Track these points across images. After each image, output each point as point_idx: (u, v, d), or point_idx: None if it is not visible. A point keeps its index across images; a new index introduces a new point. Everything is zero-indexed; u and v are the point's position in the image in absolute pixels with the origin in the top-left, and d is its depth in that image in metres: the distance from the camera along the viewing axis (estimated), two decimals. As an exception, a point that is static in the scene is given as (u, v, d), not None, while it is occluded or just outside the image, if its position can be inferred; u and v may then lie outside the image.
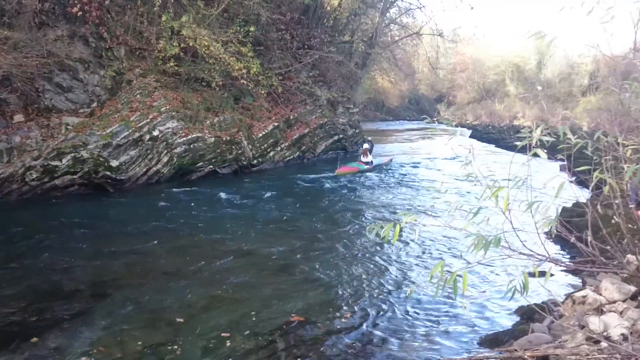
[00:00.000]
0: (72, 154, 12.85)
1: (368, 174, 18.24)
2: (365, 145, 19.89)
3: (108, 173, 13.45)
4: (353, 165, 18.75)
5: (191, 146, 15.78)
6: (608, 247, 3.70)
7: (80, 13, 13.68)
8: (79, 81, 14.25)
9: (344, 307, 6.40)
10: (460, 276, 2.53)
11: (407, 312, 6.24)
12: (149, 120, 14.63)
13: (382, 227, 2.77)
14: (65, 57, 13.77)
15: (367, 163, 19.02)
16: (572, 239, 3.26)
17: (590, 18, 2.97)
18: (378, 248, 8.94)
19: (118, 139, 13.72)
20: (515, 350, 4.41)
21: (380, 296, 6.82)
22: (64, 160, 12.76)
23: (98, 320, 5.93)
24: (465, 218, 2.92)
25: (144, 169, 14.57)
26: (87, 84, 14.42)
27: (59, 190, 12.88)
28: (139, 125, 14.33)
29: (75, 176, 12.96)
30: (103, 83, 14.69)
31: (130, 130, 14.02)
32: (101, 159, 13.31)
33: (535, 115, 35.94)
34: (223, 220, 11.00)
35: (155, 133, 14.67)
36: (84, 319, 5.93)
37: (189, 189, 14.57)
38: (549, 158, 3.00)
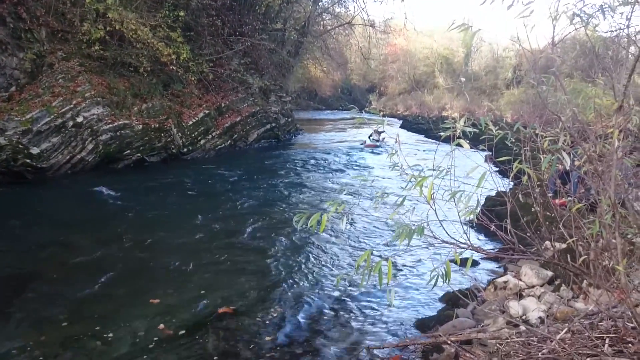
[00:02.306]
0: (-12, 141, 12.14)
1: (307, 159, 19.04)
2: (375, 128, 24.96)
3: (28, 161, 12.78)
4: (372, 142, 24.63)
5: (118, 133, 15.24)
6: (528, 235, 3.85)
7: (-4, -9, 12.91)
8: (-5, 64, 13.46)
9: (273, 298, 6.39)
10: (385, 265, 2.56)
11: (335, 302, 6.29)
12: (72, 105, 13.99)
13: (308, 218, 2.76)
14: (-21, 38, 12.98)
15: (377, 140, 24.70)
16: (492, 228, 3.38)
17: (511, 12, 3.06)
18: (306, 237, 8.96)
19: (39, 125, 13.04)
20: (440, 335, 4.55)
21: (309, 286, 6.85)
22: (-22, 148, 12.03)
23: (17, 316, 5.65)
24: (391, 208, 2.96)
25: (67, 157, 13.96)
26: (5, 67, 13.62)
27: (-27, 179, 12.15)
28: (62, 111, 13.68)
29: (-9, 164, 12.26)
30: (22, 66, 13.91)
31: (52, 116, 13.37)
32: (20, 146, 12.62)
33: (462, 107, 37.05)
34: (150, 209, 10.72)
35: (79, 119, 14.07)
36: (2, 315, 5.64)
37: (115, 177, 14.11)
38: (473, 148, 3.09)
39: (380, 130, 24.46)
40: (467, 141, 2.92)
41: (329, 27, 32.73)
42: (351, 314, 5.93)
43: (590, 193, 4.58)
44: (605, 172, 3.01)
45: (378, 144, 24.54)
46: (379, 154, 22.39)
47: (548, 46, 3.54)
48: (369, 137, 24.99)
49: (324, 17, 32.26)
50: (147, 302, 6.07)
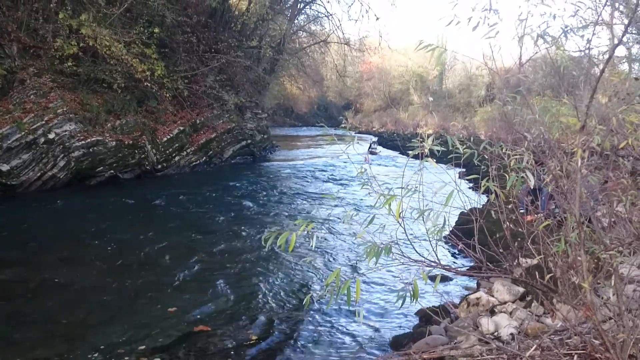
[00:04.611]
0: (-44, 158, 11.89)
1: (276, 174, 18.95)
2: (374, 139, 32.09)
3: (-3, 178, 12.58)
4: (373, 150, 29.64)
5: (90, 150, 15.06)
6: (499, 251, 3.88)
7: (-34, 6, 12.74)
8: (-36, 79, 13.24)
9: (244, 318, 6.32)
10: (353, 284, 2.56)
11: (306, 321, 6.25)
12: (44, 122, 13.81)
13: (277, 236, 2.75)
14: (-52, 53, 12.78)
15: (375, 149, 30.05)
16: (460, 246, 3.40)
17: (477, 33, 3.12)
18: (278, 255, 8.89)
19: (9, 142, 12.84)
20: (413, 352, 4.54)
21: (280, 304, 6.80)
22: (-54, 164, 11.78)
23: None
24: (361, 226, 2.97)
25: (38, 174, 13.74)
26: (-26, 83, 13.44)
27: (-60, 197, 11.87)
28: (33, 127, 13.48)
29: (-41, 181, 12.00)
30: (-8, 82, 13.74)
31: (23, 133, 13.16)
32: (-11, 162, 12.42)
33: (437, 124, 37.47)
34: (122, 227, 10.57)
35: (51, 136, 13.88)
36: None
37: (87, 194, 13.92)
38: (444, 165, 3.12)
39: (373, 140, 30.22)
40: (437, 159, 2.95)
41: (305, 45, 32.91)
42: (322, 333, 5.89)
43: (557, 211, 4.64)
44: (570, 190, 3.06)
45: (377, 151, 29.66)
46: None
47: (516, 65, 3.61)
48: (369, 148, 29.08)
49: (300, 34, 32.46)
50: (118, 322, 5.96)
